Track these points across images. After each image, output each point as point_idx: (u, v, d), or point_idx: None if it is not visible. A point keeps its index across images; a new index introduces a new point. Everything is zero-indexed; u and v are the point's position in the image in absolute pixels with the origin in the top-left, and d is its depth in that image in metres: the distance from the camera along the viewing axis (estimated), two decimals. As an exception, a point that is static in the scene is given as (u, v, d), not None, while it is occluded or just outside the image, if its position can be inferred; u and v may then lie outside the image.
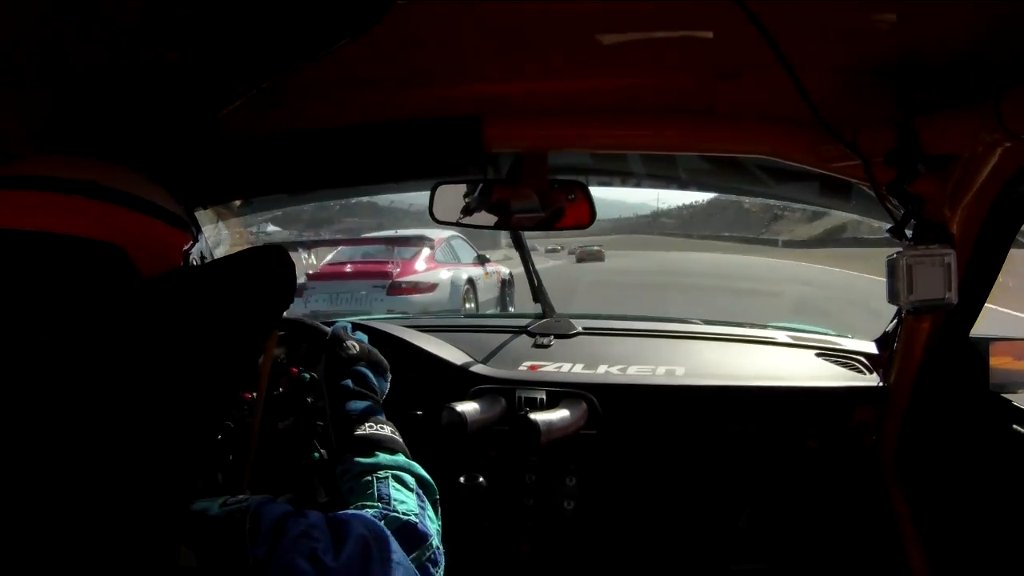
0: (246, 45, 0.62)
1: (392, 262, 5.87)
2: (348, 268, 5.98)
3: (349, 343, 0.90)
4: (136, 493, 0.46)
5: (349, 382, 0.86)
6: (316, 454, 1.12)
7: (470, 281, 6.22)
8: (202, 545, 0.50)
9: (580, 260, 22.11)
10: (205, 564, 0.49)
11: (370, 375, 0.89)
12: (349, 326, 0.95)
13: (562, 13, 0.73)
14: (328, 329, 1.08)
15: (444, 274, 5.94)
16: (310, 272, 5.83)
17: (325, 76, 0.91)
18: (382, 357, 0.93)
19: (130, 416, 0.46)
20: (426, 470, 1.30)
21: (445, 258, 6.18)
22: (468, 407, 1.15)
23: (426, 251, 6.05)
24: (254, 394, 0.87)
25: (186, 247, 0.56)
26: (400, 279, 5.64)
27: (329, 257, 6.29)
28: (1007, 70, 0.72)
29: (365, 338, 0.94)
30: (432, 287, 5.75)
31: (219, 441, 0.91)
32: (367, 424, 0.79)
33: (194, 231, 0.58)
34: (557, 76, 0.94)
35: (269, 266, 0.56)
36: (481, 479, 1.08)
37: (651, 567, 1.33)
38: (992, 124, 0.72)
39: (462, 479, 1.09)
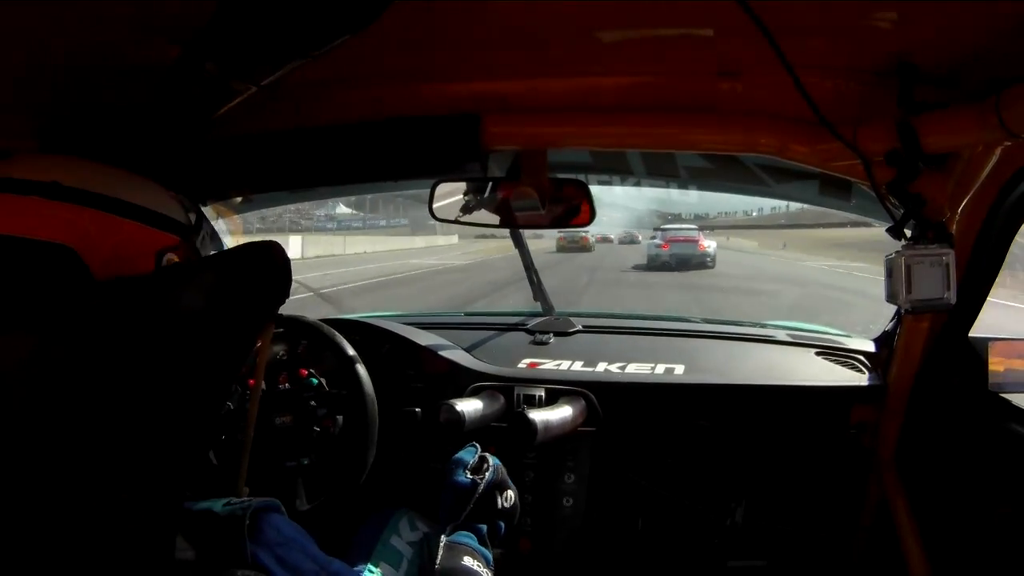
0: (245, 43, 0.62)
1: (697, 238, 15.79)
2: (682, 237, 15.57)
3: (509, 493, 0.91)
4: (119, 487, 0.46)
5: (485, 528, 0.86)
6: (306, 459, 1.13)
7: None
8: (201, 539, 0.50)
9: (561, 250, 20.76)
10: (203, 558, 0.49)
11: (502, 531, 0.90)
12: (503, 474, 0.93)
13: (562, 11, 0.73)
14: (352, 353, 1.16)
15: (711, 242, 15.89)
16: (668, 238, 15.44)
17: (324, 74, 0.91)
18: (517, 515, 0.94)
19: (111, 408, 0.46)
20: (423, 467, 1.31)
21: (706, 238, 16.43)
22: (466, 404, 1.15)
23: (703, 232, 17.66)
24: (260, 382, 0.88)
25: (164, 246, 0.55)
26: (703, 243, 15.45)
27: (667, 235, 15.86)
28: (1007, 69, 0.72)
29: (512, 497, 0.92)
30: (709, 246, 15.36)
31: (215, 421, 0.91)
32: (476, 563, 0.80)
33: (186, 230, 0.58)
34: (557, 74, 0.94)
35: (261, 262, 0.56)
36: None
37: (650, 564, 1.33)
38: (992, 123, 0.72)
39: None
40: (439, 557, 0.80)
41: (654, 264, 14.76)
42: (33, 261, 0.48)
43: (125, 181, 0.55)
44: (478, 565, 0.79)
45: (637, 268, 14.89)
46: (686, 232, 16.46)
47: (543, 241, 23.41)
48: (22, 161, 0.53)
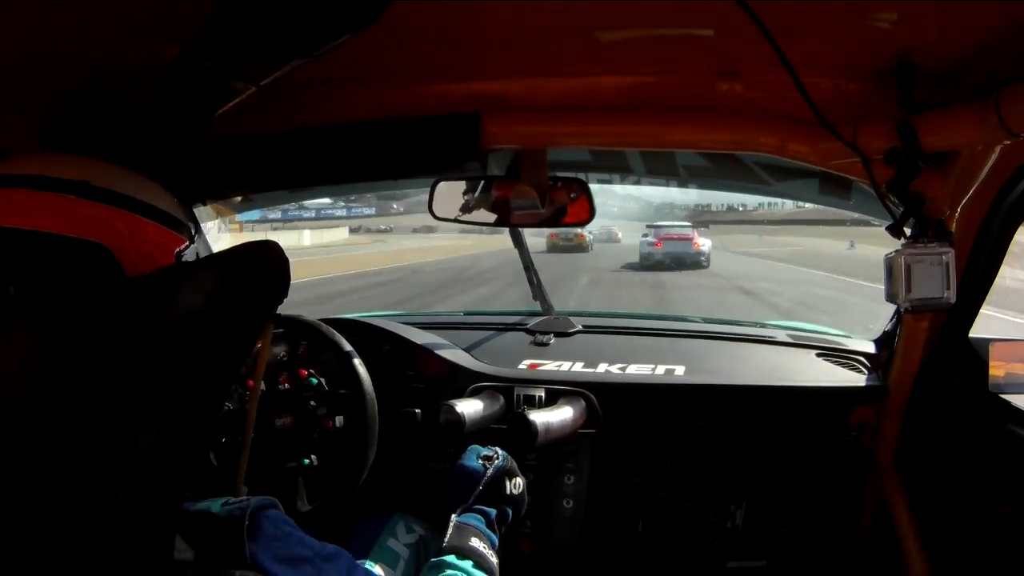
0: (245, 42, 0.62)
1: (692, 236, 15.38)
2: (675, 235, 15.31)
3: (518, 480, 0.93)
4: (118, 486, 0.46)
5: (494, 512, 0.88)
6: (306, 460, 1.13)
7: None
8: (200, 540, 0.50)
9: (552, 249, 18.08)
10: (202, 558, 0.49)
11: (510, 518, 0.91)
12: (512, 463, 0.95)
13: (562, 11, 0.73)
14: (348, 348, 1.16)
15: (705, 241, 15.47)
16: (661, 236, 15.13)
17: (324, 74, 0.91)
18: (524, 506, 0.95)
19: (110, 407, 0.46)
20: (423, 468, 1.30)
21: (700, 235, 15.94)
22: (466, 405, 1.15)
23: (697, 231, 16.41)
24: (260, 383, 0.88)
25: (179, 248, 0.56)
26: (696, 241, 15.11)
27: (660, 233, 15.56)
28: (1007, 69, 0.72)
29: (521, 485, 0.94)
30: (703, 245, 15.11)
31: (215, 423, 0.91)
32: (483, 544, 0.82)
33: (191, 231, 0.59)
34: (557, 73, 0.94)
35: (260, 261, 0.56)
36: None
37: (650, 566, 1.33)
38: (992, 122, 0.72)
39: None
40: (447, 535, 0.81)
41: (647, 263, 14.58)
42: (70, 259, 0.49)
43: (141, 183, 0.56)
44: (484, 547, 0.81)
45: (629, 267, 14.63)
46: (679, 230, 16.12)
47: (529, 239, 21.15)
48: (48, 159, 0.54)
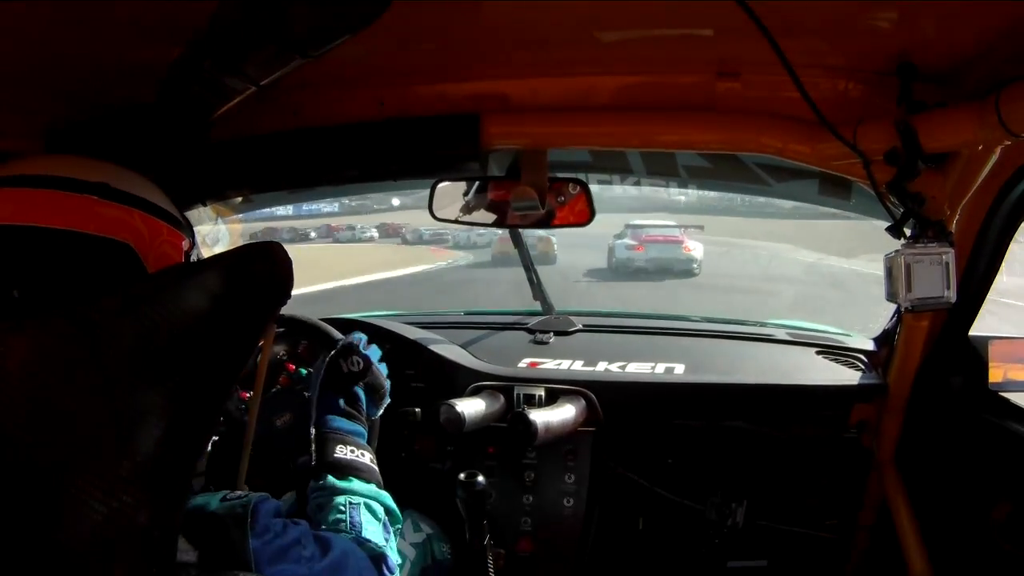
0: (245, 42, 0.62)
1: (680, 237, 12.18)
2: (660, 237, 12.14)
3: (354, 358, 0.90)
4: (121, 487, 0.46)
5: (341, 400, 0.86)
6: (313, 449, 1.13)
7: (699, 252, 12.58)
8: (203, 540, 0.50)
9: (496, 262, 11.78)
10: (205, 558, 0.49)
11: (363, 398, 0.89)
12: (364, 340, 0.94)
13: (562, 11, 0.73)
14: (339, 337, 1.10)
15: (695, 244, 12.11)
16: (642, 238, 12.05)
17: (324, 74, 0.91)
18: (384, 382, 0.92)
19: (113, 407, 0.46)
20: (423, 467, 1.30)
21: (689, 237, 12.74)
22: (466, 404, 1.15)
23: (686, 232, 12.69)
24: (251, 393, 0.88)
25: (186, 247, 0.58)
26: (685, 243, 11.95)
27: (642, 234, 12.52)
28: (1007, 69, 0.72)
29: (378, 354, 0.93)
30: (693, 248, 11.89)
31: (217, 438, 0.92)
32: (349, 447, 0.80)
33: (191, 233, 0.60)
34: (557, 73, 0.94)
35: (263, 261, 0.57)
36: (480, 477, 1.08)
37: (650, 564, 1.33)
38: (992, 122, 0.72)
39: (462, 476, 1.10)
40: (313, 453, 0.80)
41: (623, 272, 11.39)
42: (96, 256, 0.51)
43: (149, 186, 0.58)
44: (351, 450, 0.80)
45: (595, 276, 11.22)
46: (665, 230, 12.39)
47: (474, 251, 14.80)
48: (64, 161, 0.55)
